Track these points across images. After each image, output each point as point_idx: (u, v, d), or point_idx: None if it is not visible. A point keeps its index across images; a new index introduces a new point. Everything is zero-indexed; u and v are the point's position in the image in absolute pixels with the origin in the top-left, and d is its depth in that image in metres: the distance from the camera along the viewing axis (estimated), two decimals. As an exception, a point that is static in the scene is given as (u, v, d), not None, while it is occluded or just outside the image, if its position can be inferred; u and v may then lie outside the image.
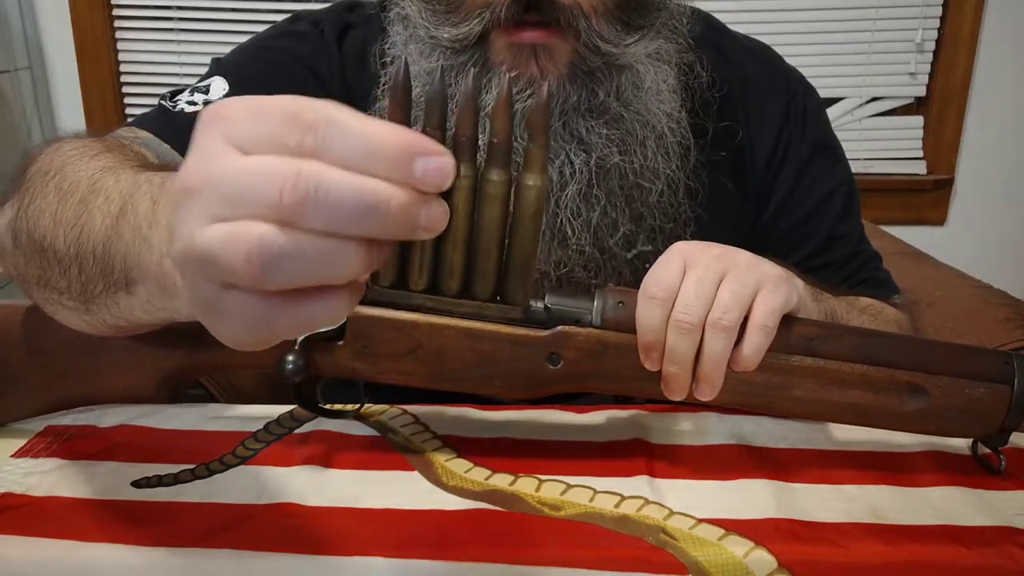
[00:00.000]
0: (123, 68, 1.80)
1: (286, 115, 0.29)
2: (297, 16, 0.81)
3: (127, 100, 1.82)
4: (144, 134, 0.68)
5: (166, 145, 0.67)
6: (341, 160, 0.28)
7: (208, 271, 0.29)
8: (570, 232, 0.67)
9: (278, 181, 0.28)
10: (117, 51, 1.79)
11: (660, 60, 0.69)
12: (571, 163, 0.65)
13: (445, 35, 0.65)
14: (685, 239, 0.71)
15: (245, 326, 0.30)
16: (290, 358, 0.51)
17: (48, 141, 0.56)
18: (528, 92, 0.64)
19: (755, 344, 0.51)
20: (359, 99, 0.74)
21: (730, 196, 0.77)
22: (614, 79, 0.66)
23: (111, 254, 0.43)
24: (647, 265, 0.70)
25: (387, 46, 0.72)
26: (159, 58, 1.79)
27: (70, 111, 1.81)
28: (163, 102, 0.73)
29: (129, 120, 0.73)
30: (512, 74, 0.63)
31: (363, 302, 0.48)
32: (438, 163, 0.29)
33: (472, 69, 0.60)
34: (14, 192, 0.52)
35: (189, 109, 0.71)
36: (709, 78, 0.73)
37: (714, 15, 0.84)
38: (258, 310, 0.30)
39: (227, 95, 0.72)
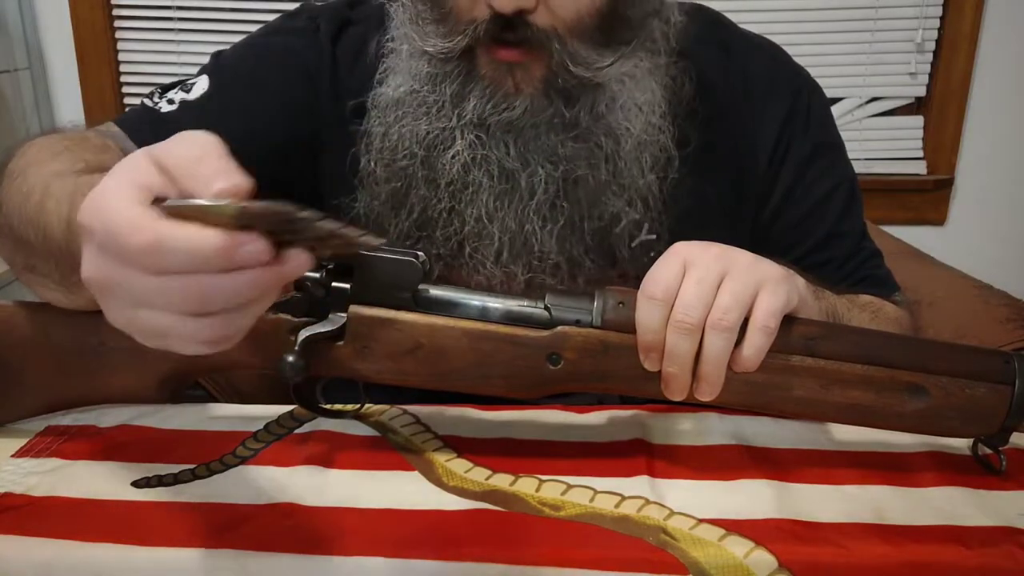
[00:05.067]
0: (123, 68, 1.80)
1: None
2: (298, 11, 0.82)
3: (127, 100, 1.82)
4: (116, 130, 0.72)
5: (131, 143, 0.69)
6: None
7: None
8: (535, 240, 0.68)
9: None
10: (117, 51, 1.79)
11: (638, 76, 0.70)
12: (538, 174, 0.67)
13: (430, 47, 0.67)
14: (658, 250, 0.72)
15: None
16: (290, 358, 0.51)
17: (20, 142, 0.61)
18: (504, 106, 0.66)
19: (756, 345, 0.51)
20: (350, 96, 0.75)
21: (717, 201, 0.77)
22: (589, 96, 0.67)
23: (73, 251, 0.46)
24: (618, 277, 0.71)
25: (387, 39, 0.73)
26: (159, 58, 1.79)
27: (70, 111, 1.81)
28: (145, 100, 0.75)
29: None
30: (490, 88, 0.66)
31: (363, 302, 0.50)
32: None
33: None
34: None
35: (166, 108, 0.74)
36: (697, 84, 0.73)
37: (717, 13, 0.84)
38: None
39: (206, 96, 0.74)
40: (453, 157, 0.67)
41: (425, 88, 0.68)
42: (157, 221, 0.37)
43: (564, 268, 0.69)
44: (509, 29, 0.63)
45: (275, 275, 0.38)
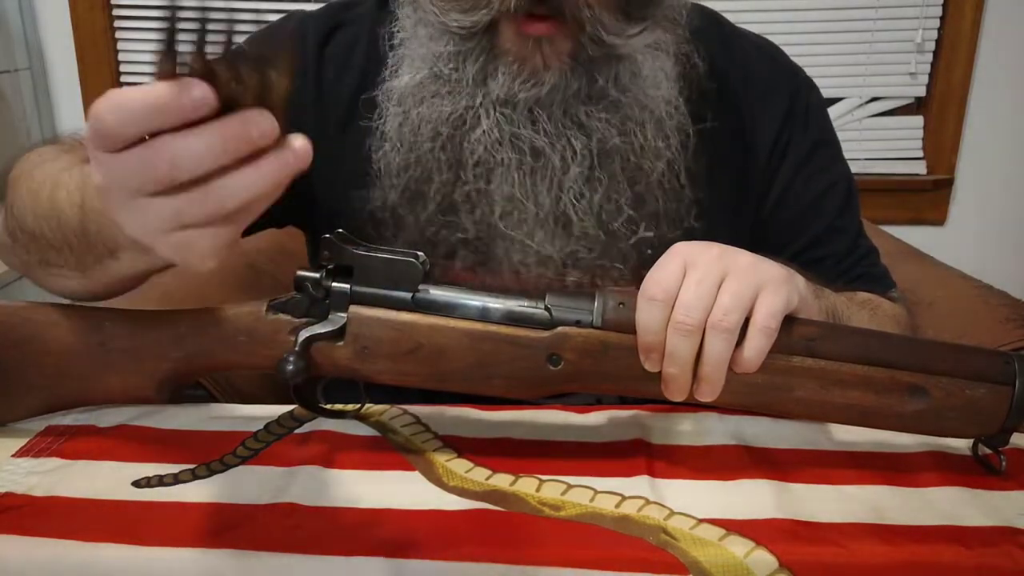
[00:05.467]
0: (123, 68, 1.80)
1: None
2: (290, 15, 0.82)
3: (127, 100, 1.82)
4: None
5: None
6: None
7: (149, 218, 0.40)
8: (574, 215, 0.68)
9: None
10: (117, 51, 1.79)
11: (659, 50, 0.69)
12: (572, 147, 0.66)
13: (454, 22, 0.66)
14: (689, 222, 0.72)
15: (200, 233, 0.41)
16: (290, 359, 0.51)
17: (19, 151, 0.65)
18: (532, 82, 0.65)
19: (756, 346, 0.51)
20: (334, 98, 0.75)
21: (729, 180, 0.77)
22: (613, 68, 0.67)
23: (89, 235, 0.52)
24: (650, 251, 0.70)
25: (395, 28, 0.72)
26: (159, 58, 1.79)
27: (70, 111, 1.81)
28: None
29: None
30: (516, 64, 0.65)
31: (363, 303, 0.50)
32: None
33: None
34: (2, 200, 0.62)
35: None
36: (706, 68, 0.73)
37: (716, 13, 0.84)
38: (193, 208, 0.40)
39: None
40: (480, 137, 0.66)
41: (448, 68, 0.67)
42: (117, 90, 0.39)
43: (602, 243, 0.69)
44: (541, 2, 0.62)
45: (236, 135, 0.38)
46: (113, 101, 0.38)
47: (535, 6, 0.62)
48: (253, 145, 0.39)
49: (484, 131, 0.66)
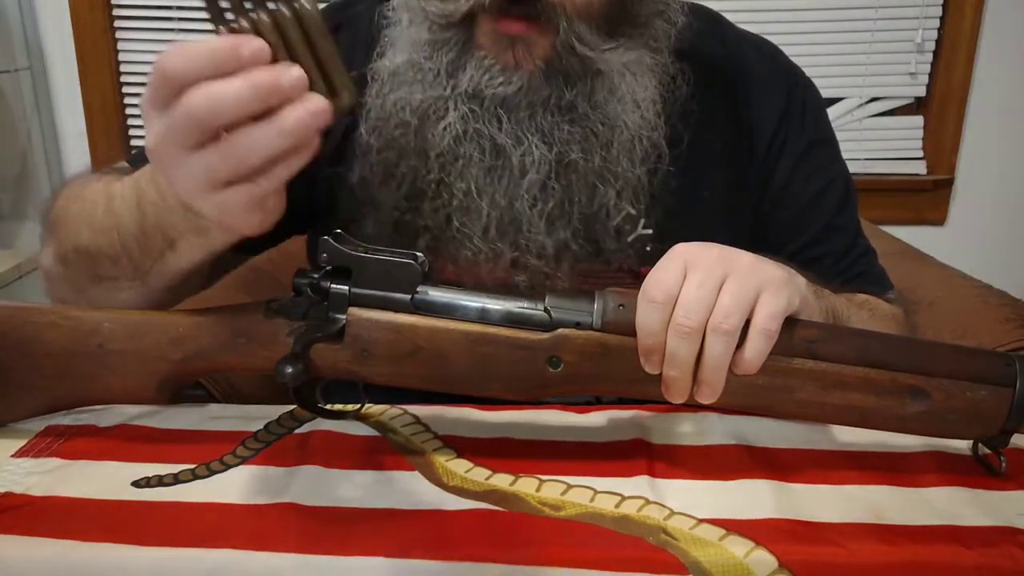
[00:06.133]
0: (123, 68, 1.80)
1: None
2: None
3: (127, 100, 1.82)
4: (126, 167, 0.75)
5: None
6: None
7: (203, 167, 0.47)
8: (524, 219, 0.68)
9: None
10: (117, 51, 1.79)
11: (639, 70, 0.69)
12: (532, 153, 0.67)
13: (433, 9, 0.67)
14: (654, 247, 0.72)
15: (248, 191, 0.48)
16: (289, 362, 0.51)
17: (56, 191, 0.70)
18: (500, 80, 0.65)
19: (757, 348, 0.51)
20: None
21: (710, 203, 0.77)
22: (588, 83, 0.67)
23: (148, 232, 0.58)
24: (596, 265, 0.71)
25: (388, 10, 0.73)
26: (159, 58, 1.79)
27: (70, 111, 1.81)
28: None
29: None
30: (487, 60, 0.65)
31: (362, 305, 0.51)
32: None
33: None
34: (49, 234, 0.67)
35: None
36: (690, 90, 0.73)
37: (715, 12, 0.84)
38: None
39: None
40: (445, 128, 0.67)
41: (422, 56, 0.68)
42: (183, 44, 0.46)
43: (550, 251, 0.69)
44: (517, 2, 0.63)
45: (266, 82, 0.45)
46: (180, 51, 0.45)
47: (511, 5, 0.63)
48: (282, 94, 0.45)
49: (449, 123, 0.67)
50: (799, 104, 0.80)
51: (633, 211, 0.71)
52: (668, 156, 0.71)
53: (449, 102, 0.67)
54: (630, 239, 0.71)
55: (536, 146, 0.66)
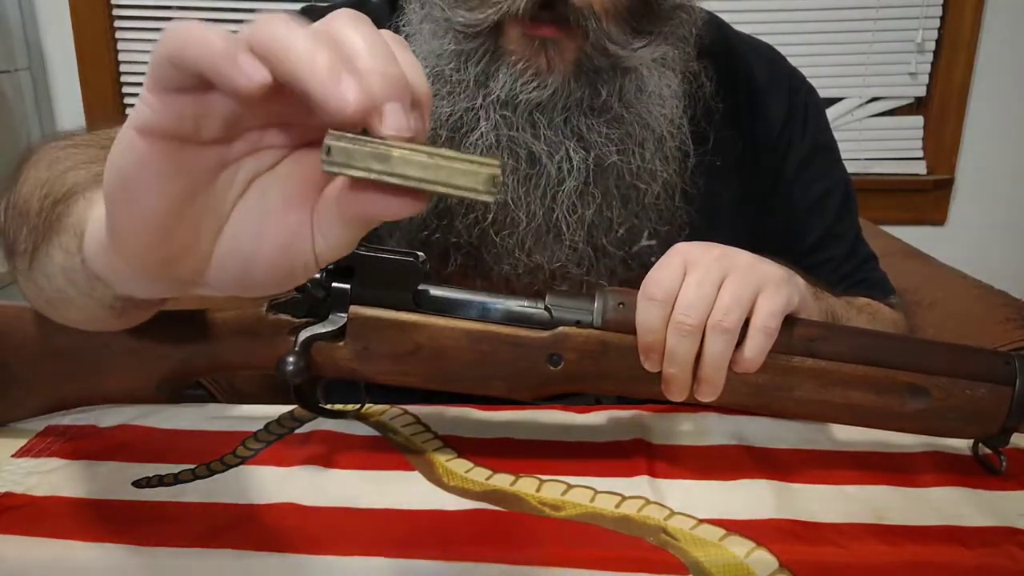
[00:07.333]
0: (123, 68, 1.80)
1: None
2: (301, 12, 0.81)
3: (127, 100, 1.82)
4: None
5: None
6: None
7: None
8: (565, 228, 0.67)
9: None
10: (117, 51, 1.79)
11: (665, 66, 0.69)
12: (569, 159, 0.65)
13: (459, 19, 0.65)
14: (680, 241, 0.72)
15: None
16: (290, 359, 0.51)
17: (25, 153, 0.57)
18: (534, 84, 0.64)
19: (757, 346, 0.51)
20: None
21: (727, 202, 0.77)
22: (618, 80, 0.66)
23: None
24: (642, 264, 0.70)
25: (402, 23, 0.71)
26: (159, 58, 1.79)
27: (70, 111, 1.80)
28: None
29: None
30: (520, 64, 0.64)
31: (363, 303, 0.50)
32: None
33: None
34: (32, 235, 0.52)
35: None
36: (713, 88, 0.73)
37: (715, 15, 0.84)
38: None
39: None
40: (477, 139, 0.65)
41: (449, 67, 0.66)
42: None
43: (591, 258, 0.68)
44: (547, 7, 0.62)
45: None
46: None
47: (541, 12, 0.62)
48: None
49: (482, 133, 0.65)
50: (801, 108, 0.80)
51: (669, 212, 0.70)
52: (695, 154, 0.71)
53: (480, 112, 0.65)
54: (664, 242, 0.70)
55: (573, 151, 0.65)
